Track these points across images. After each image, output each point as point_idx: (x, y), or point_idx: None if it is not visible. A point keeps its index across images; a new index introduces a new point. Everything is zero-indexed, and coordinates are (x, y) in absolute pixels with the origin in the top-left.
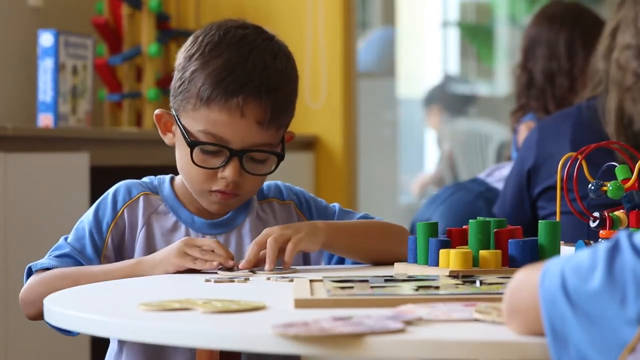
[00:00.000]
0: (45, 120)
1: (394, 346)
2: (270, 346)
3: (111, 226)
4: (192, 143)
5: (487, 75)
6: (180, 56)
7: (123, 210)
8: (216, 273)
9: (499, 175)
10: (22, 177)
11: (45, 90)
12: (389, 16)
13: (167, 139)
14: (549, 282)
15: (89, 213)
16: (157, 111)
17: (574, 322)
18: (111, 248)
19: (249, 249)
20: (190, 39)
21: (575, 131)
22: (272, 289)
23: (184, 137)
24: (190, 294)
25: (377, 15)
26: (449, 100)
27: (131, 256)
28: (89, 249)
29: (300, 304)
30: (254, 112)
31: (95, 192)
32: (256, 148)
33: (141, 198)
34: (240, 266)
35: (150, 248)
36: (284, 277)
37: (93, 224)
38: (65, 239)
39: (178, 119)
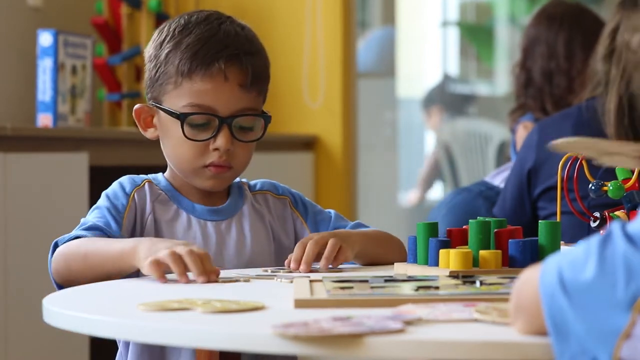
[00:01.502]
0: (44, 120)
1: (393, 346)
2: (269, 346)
3: (127, 208)
4: (182, 115)
5: (487, 75)
6: (148, 50)
7: (133, 195)
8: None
9: (504, 175)
10: (22, 177)
11: (44, 90)
12: (389, 16)
13: (149, 134)
14: (548, 277)
15: (102, 201)
16: (136, 107)
17: (571, 314)
18: (127, 229)
19: (309, 247)
20: (154, 34)
21: (576, 131)
22: (272, 289)
23: (172, 114)
24: (189, 294)
25: (377, 15)
26: (448, 100)
27: None
28: (113, 224)
29: (300, 304)
30: (236, 74)
31: (95, 192)
32: (242, 113)
33: (146, 184)
34: (301, 269)
35: (156, 236)
36: (287, 278)
37: (111, 206)
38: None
39: (160, 104)
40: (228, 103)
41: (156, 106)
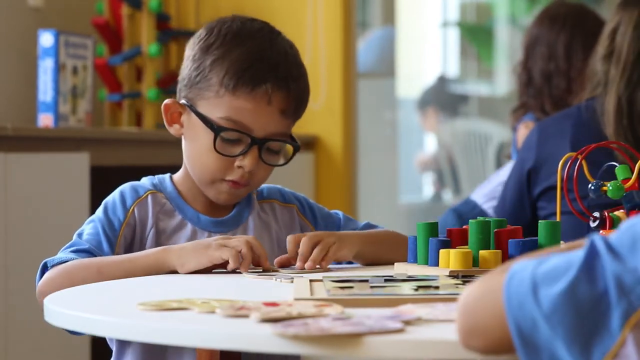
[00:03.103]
0: (45, 120)
1: (393, 346)
2: (270, 346)
3: (123, 225)
4: (218, 129)
5: (487, 75)
6: (192, 47)
7: (133, 209)
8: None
9: (495, 180)
10: (22, 177)
11: (45, 90)
12: (389, 16)
13: (174, 130)
14: (515, 286)
15: (99, 213)
16: (167, 101)
17: (545, 328)
18: (122, 246)
19: (302, 244)
20: (202, 31)
21: (576, 131)
22: (272, 289)
23: (207, 123)
24: (189, 294)
25: (377, 15)
26: (445, 101)
27: None
28: (105, 246)
29: None
30: (280, 100)
31: (95, 192)
32: (275, 137)
33: (149, 196)
34: (297, 266)
35: (159, 246)
36: (287, 278)
37: (105, 222)
38: (79, 235)
39: (195, 107)
40: (265, 126)
41: (190, 107)
